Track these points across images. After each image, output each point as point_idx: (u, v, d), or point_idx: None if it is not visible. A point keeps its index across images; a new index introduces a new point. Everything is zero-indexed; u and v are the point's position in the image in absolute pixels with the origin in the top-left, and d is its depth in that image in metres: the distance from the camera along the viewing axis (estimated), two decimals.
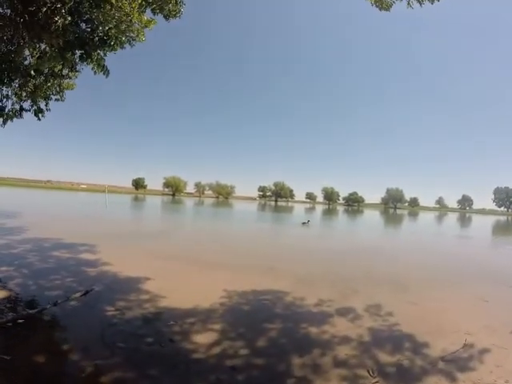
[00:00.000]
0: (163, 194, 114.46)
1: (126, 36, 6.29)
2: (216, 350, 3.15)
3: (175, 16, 5.59)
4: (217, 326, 3.69)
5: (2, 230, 10.01)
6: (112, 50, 6.37)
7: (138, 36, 6.37)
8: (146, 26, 6.46)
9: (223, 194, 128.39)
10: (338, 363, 3.04)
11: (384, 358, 3.21)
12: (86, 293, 4.35)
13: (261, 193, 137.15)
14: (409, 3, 4.34)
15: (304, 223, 20.80)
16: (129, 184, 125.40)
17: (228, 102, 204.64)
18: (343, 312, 4.58)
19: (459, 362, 3.23)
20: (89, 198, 41.36)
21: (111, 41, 6.12)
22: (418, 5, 4.45)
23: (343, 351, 3.30)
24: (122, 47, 6.41)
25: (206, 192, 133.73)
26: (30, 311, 3.64)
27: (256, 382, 2.70)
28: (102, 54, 6.25)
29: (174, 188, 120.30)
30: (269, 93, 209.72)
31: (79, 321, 3.63)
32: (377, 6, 4.04)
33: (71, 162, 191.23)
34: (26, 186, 74.02)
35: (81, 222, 14.90)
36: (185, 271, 6.49)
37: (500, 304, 5.60)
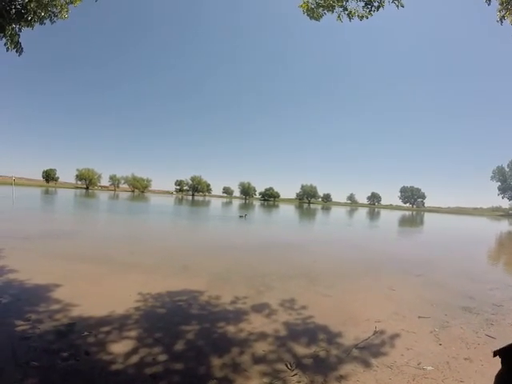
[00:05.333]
0: (76, 188, 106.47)
1: (48, 11, 5.66)
2: (134, 358, 2.97)
3: None
4: (133, 333, 3.50)
5: None
6: (28, 25, 5.69)
7: (60, 12, 5.74)
8: (72, 2, 5.89)
9: (139, 188, 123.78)
10: (257, 360, 3.11)
11: (301, 350, 3.37)
12: None
13: (178, 187, 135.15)
14: (339, 17, 4.66)
15: (241, 216, 22.35)
16: (39, 176, 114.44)
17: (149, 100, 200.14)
18: (259, 308, 4.68)
19: (372, 349, 3.51)
20: None
21: (29, 15, 5.46)
22: (348, 19, 4.80)
23: (261, 347, 3.37)
24: (42, 23, 5.75)
25: (121, 185, 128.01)
26: None
27: None
28: (17, 28, 5.59)
29: (87, 181, 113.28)
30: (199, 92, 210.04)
31: None
32: (308, 15, 4.25)
33: None
34: None
35: None
36: (97, 274, 5.99)
37: (406, 292, 6.18)
